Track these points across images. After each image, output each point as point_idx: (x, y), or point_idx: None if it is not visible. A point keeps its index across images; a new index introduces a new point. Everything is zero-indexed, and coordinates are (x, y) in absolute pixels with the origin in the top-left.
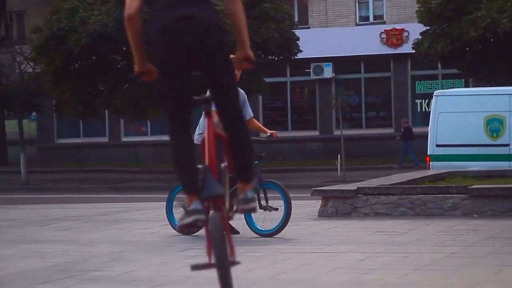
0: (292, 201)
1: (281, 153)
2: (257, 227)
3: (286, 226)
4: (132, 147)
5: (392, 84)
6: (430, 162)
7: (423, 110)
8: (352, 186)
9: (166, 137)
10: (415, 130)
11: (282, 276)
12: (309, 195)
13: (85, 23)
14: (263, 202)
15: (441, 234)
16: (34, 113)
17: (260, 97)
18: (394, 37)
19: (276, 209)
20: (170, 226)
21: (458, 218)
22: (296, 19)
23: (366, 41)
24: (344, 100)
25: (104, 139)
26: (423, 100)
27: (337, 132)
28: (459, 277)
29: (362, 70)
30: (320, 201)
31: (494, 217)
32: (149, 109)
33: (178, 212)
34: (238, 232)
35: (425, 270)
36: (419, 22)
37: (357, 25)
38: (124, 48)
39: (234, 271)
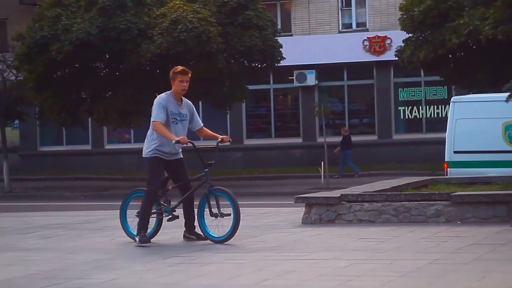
0: (276, 208)
1: (264, 160)
2: (212, 234)
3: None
4: (116, 155)
5: (375, 91)
6: (448, 169)
7: (406, 117)
8: (336, 193)
9: None
10: (400, 137)
11: (266, 283)
12: (293, 202)
13: (67, 31)
14: (214, 210)
15: (425, 241)
16: (17, 121)
17: (244, 105)
18: (377, 45)
19: (228, 215)
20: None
21: (441, 225)
22: (279, 26)
23: (349, 49)
24: (327, 107)
25: (87, 147)
26: (406, 107)
27: (320, 139)
28: (443, 284)
29: (345, 77)
30: (304, 208)
31: (477, 223)
32: (133, 116)
33: (131, 219)
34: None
35: (408, 277)
36: (402, 29)
37: (340, 32)
38: (107, 56)
39: (218, 279)
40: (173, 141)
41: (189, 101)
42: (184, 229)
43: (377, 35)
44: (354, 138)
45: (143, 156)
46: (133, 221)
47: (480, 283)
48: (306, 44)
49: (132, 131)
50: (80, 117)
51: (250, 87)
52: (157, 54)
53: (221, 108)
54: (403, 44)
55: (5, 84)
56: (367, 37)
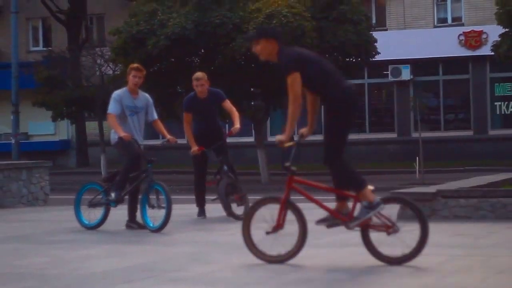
0: None
1: (359, 155)
2: (149, 223)
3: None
4: None
5: (471, 86)
6: None
7: (502, 112)
8: (431, 189)
9: (244, 139)
10: (496, 132)
11: (360, 278)
12: None
13: (163, 25)
14: (153, 202)
15: None
16: None
17: None
18: (472, 39)
19: (164, 207)
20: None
21: None
22: (374, 21)
23: (444, 43)
24: (422, 102)
25: (183, 141)
26: (502, 103)
27: (415, 135)
28: None
29: (441, 72)
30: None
31: None
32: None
33: (84, 210)
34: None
35: (506, 274)
36: (498, 24)
37: (435, 27)
38: (202, 51)
39: (313, 272)
40: (118, 136)
41: (147, 95)
42: (127, 218)
43: (473, 30)
44: (449, 134)
45: (112, 144)
46: (88, 213)
47: None
48: (401, 39)
49: (226, 125)
50: (175, 111)
51: None
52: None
53: None
54: (499, 39)
55: (103, 78)
56: (463, 32)
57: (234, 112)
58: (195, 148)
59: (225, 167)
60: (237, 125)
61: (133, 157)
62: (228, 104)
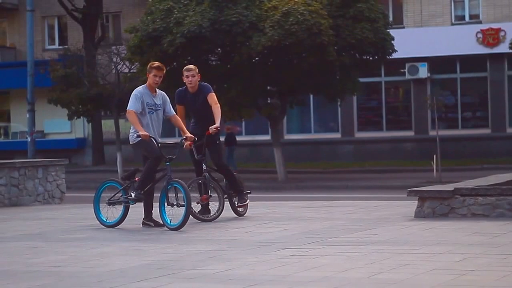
0: (388, 202)
1: (375, 154)
2: (168, 222)
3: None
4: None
5: (489, 84)
6: None
7: None
8: (449, 187)
9: (260, 137)
10: None
11: (379, 276)
12: (404, 195)
13: (179, 24)
14: (172, 200)
15: None
16: None
17: (355, 97)
18: (490, 37)
19: (184, 205)
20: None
21: None
22: (391, 18)
23: (461, 41)
24: (439, 100)
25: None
26: None
27: (432, 133)
28: None
29: (458, 70)
30: (417, 201)
31: None
32: (243, 109)
33: (104, 208)
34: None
35: None
36: None
37: (452, 24)
38: (218, 49)
39: (331, 271)
40: (137, 133)
41: (163, 92)
42: (143, 216)
43: (490, 27)
44: (466, 132)
45: (131, 143)
46: (107, 211)
47: None
48: (418, 37)
49: (243, 123)
50: None
51: (361, 79)
52: (268, 47)
53: (332, 101)
54: None
55: (119, 77)
56: (481, 29)
57: (216, 108)
58: (187, 143)
59: (204, 166)
60: (217, 123)
61: (157, 157)
62: (212, 97)
